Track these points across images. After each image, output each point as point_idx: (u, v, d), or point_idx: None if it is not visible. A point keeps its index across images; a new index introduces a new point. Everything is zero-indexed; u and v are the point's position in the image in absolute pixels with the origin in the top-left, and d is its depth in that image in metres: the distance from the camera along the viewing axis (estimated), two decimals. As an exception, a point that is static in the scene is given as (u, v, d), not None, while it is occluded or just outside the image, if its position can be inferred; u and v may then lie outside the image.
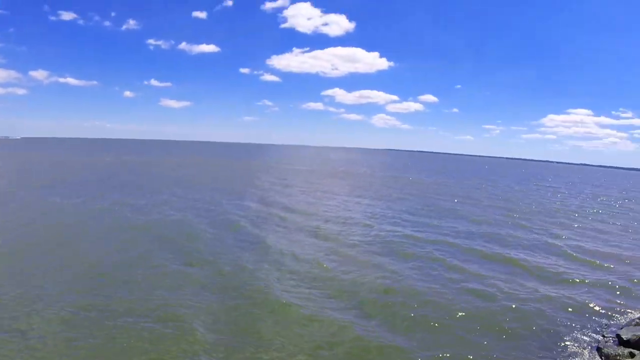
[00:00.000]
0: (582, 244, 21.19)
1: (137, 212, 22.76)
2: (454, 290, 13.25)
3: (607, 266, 17.26)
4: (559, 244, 20.74)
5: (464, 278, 14.45)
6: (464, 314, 11.50)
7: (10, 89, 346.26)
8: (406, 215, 26.40)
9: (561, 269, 16.38)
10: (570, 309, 12.29)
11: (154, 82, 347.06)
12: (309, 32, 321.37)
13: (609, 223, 29.04)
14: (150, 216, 22.10)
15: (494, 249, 18.90)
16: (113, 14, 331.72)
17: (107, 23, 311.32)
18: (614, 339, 10.39)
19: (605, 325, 11.46)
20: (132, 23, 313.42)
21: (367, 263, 15.60)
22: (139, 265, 13.87)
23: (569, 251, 19.23)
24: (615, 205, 41.71)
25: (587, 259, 18.21)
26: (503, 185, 58.09)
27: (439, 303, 12.10)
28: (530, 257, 17.74)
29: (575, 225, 26.84)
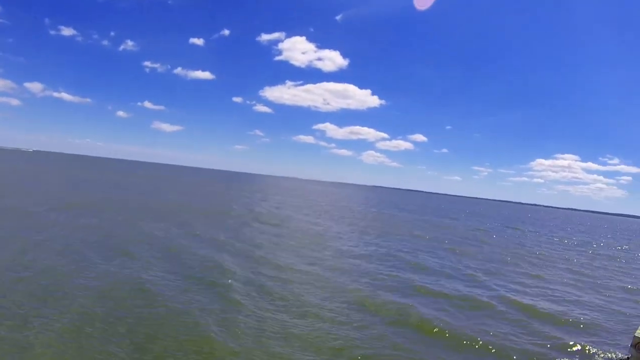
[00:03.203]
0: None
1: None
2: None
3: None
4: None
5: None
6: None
7: (4, 99, 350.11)
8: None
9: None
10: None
11: (147, 104, 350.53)
12: (302, 65, 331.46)
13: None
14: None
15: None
16: (112, 33, 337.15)
17: (105, 42, 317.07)
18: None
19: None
20: (130, 44, 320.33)
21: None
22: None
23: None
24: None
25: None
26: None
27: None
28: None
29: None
